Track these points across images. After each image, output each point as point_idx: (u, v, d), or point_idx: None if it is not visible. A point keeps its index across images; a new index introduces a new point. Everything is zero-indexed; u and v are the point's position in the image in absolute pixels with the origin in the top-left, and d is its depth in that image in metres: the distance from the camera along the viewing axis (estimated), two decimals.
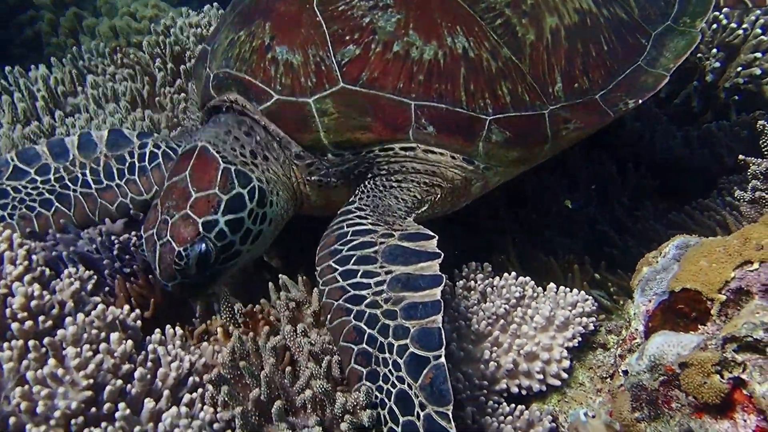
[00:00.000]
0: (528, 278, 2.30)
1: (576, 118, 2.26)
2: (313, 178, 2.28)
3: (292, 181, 2.33)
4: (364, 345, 1.78)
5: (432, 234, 2.03)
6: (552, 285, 2.29)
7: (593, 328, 2.25)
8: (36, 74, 3.34)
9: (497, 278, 2.29)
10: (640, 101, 2.34)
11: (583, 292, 2.27)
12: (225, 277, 2.25)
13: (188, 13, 4.07)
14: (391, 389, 1.72)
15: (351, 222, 2.08)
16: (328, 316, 1.88)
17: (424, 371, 1.70)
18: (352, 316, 1.83)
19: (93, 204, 2.49)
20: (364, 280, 1.89)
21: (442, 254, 1.94)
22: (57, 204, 2.46)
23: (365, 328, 1.80)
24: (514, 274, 2.30)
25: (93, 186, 2.50)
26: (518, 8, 2.26)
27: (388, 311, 1.82)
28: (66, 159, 2.53)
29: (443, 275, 1.88)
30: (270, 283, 2.27)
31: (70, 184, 2.50)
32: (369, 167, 2.26)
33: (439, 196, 2.26)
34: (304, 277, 2.26)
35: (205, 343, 2.07)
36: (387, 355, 1.75)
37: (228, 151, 2.20)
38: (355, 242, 2.00)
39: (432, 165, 2.23)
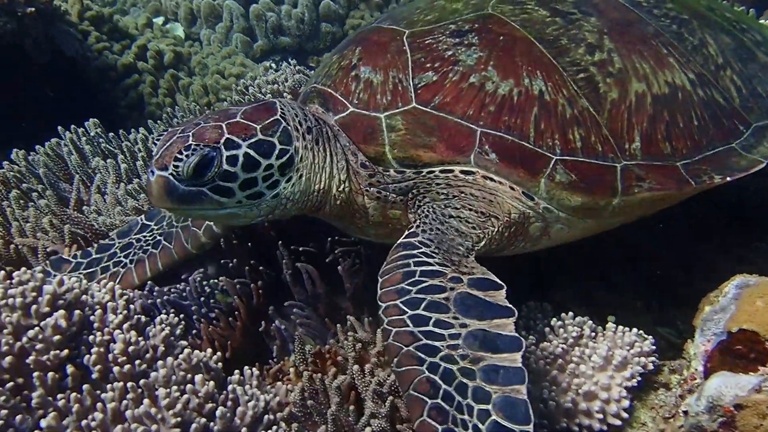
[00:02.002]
0: (586, 318, 2.34)
1: (651, 178, 2.25)
2: (372, 189, 2.36)
3: (333, 184, 2.36)
4: (439, 401, 1.75)
5: (500, 283, 2.04)
6: (610, 324, 2.32)
7: (653, 367, 2.26)
8: (136, 136, 3.74)
9: (555, 318, 2.35)
10: (728, 178, 2.30)
11: (641, 332, 2.29)
12: (197, 210, 2.17)
13: (268, 70, 4.41)
14: None
15: (418, 260, 2.08)
16: (395, 359, 1.87)
17: None
18: (425, 366, 1.81)
19: (187, 233, 2.76)
20: (437, 330, 1.88)
21: (516, 312, 1.96)
22: (163, 242, 2.77)
23: (440, 383, 1.78)
24: (571, 314, 2.34)
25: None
26: (604, 69, 2.33)
27: (466, 369, 1.81)
28: None
29: (522, 339, 1.88)
30: (338, 325, 2.44)
31: (174, 223, 2.82)
32: (428, 188, 2.30)
33: (496, 229, 2.26)
34: (370, 318, 2.41)
35: (279, 383, 2.26)
36: (466, 417, 1.74)
37: (290, 114, 2.28)
38: (424, 284, 1.99)
39: (489, 193, 2.26)
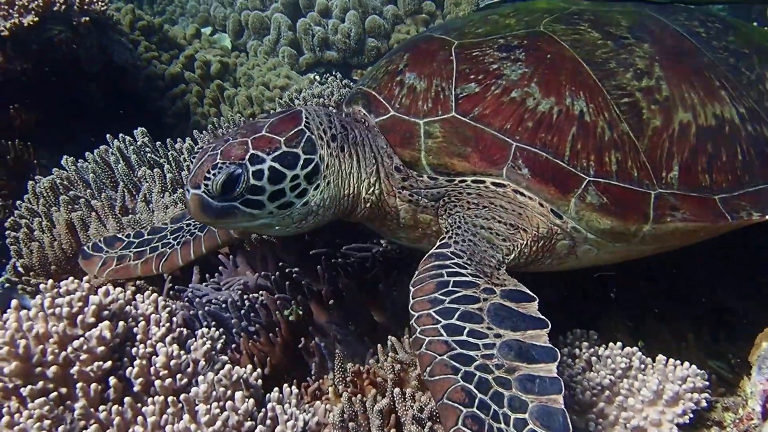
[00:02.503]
0: (635, 348, 2.26)
1: (686, 209, 2.21)
2: (405, 192, 2.37)
3: (363, 187, 2.39)
4: (475, 409, 1.74)
5: (532, 295, 2.03)
6: (661, 357, 2.23)
7: (706, 404, 2.17)
8: (182, 146, 3.79)
9: (603, 347, 2.27)
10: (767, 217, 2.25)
11: (694, 366, 2.19)
12: (233, 223, 2.27)
13: (313, 82, 4.43)
14: None
15: (451, 270, 2.07)
16: (428, 368, 1.86)
17: None
18: (459, 375, 1.80)
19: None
20: (471, 340, 1.88)
21: (550, 323, 1.94)
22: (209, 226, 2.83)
23: (476, 392, 1.77)
24: (620, 344, 2.27)
25: None
26: (650, 95, 2.29)
27: (501, 379, 1.81)
28: None
29: (557, 349, 1.87)
30: (378, 345, 2.41)
31: None
32: (459, 197, 2.31)
33: (524, 242, 2.26)
34: (410, 338, 2.38)
35: (318, 402, 2.24)
36: (502, 425, 1.72)
37: (314, 123, 2.32)
38: (457, 294, 1.99)
39: (519, 206, 2.26)
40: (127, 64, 5.21)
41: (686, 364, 2.20)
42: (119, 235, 3.06)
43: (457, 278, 2.05)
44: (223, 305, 2.67)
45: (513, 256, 2.25)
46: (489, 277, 2.11)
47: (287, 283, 2.67)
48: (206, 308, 2.59)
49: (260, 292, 2.74)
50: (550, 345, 1.87)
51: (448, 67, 2.36)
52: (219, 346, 2.32)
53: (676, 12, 2.65)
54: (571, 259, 2.37)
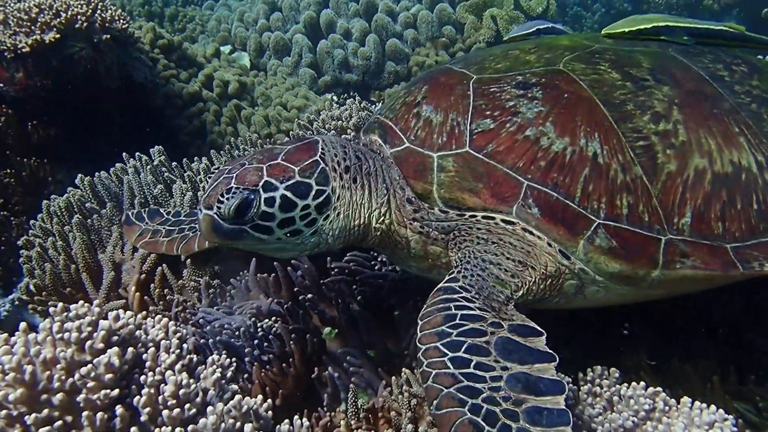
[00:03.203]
0: (659, 389, 2.18)
1: (696, 256, 2.18)
2: (415, 223, 2.38)
3: (373, 217, 2.40)
4: None
5: (540, 330, 2.03)
6: (686, 399, 2.14)
7: None
8: (199, 166, 3.77)
9: (625, 386, 2.20)
10: None
11: (721, 411, 2.10)
12: (242, 245, 2.31)
13: (332, 104, 4.41)
14: None
15: (459, 304, 2.09)
16: (435, 402, 1.85)
17: None
18: (466, 408, 1.80)
19: None
20: (478, 372, 1.88)
21: (557, 357, 1.93)
22: None
23: (483, 424, 1.77)
24: (643, 384, 2.19)
25: None
26: (666, 139, 2.26)
27: (509, 411, 1.80)
28: None
29: (564, 381, 1.86)
30: (393, 377, 2.35)
31: None
32: (469, 231, 2.31)
33: (533, 279, 2.25)
34: (418, 371, 2.32)
35: None
36: None
37: (329, 154, 2.34)
38: (464, 328, 2.00)
39: (528, 245, 2.25)
40: (146, 81, 5.22)
41: (713, 407, 2.11)
42: (161, 210, 3.27)
43: (464, 312, 2.05)
44: (236, 332, 2.61)
45: (521, 293, 2.24)
46: (497, 312, 2.11)
47: (301, 312, 2.62)
48: (218, 338, 2.54)
49: (273, 318, 2.70)
50: (558, 378, 1.87)
51: (464, 101, 2.36)
52: (229, 374, 2.25)
53: (701, 54, 2.60)
54: (579, 298, 2.35)
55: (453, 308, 2.07)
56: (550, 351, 1.95)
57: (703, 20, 2.80)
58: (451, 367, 1.89)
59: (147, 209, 3.31)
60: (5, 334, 1.99)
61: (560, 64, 2.42)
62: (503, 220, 2.24)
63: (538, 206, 2.19)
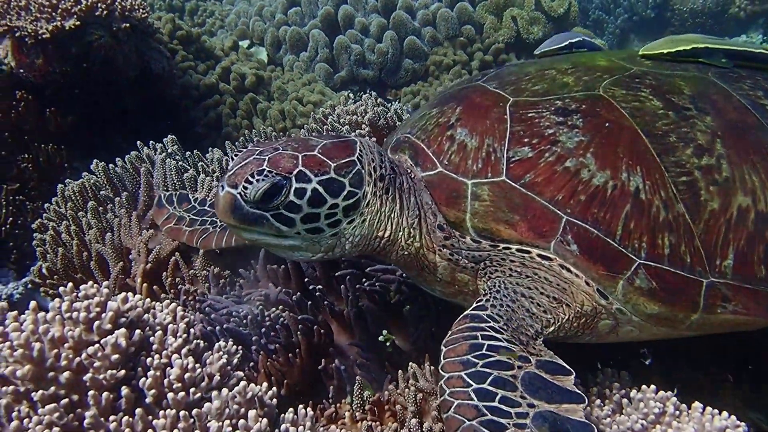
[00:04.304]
0: (670, 393, 2.15)
1: (738, 301, 2.11)
2: (445, 250, 2.29)
3: (401, 236, 2.31)
4: None
5: (569, 368, 1.96)
6: (697, 404, 2.11)
7: None
8: (213, 156, 3.78)
9: (635, 390, 2.17)
10: None
11: (734, 417, 2.07)
12: (257, 235, 2.15)
13: (347, 100, 4.40)
14: None
15: (486, 334, 2.01)
16: None
17: None
18: None
19: None
20: (503, 407, 1.81)
21: (586, 399, 1.88)
22: None
23: None
24: (653, 387, 2.16)
25: None
26: (710, 175, 2.17)
27: None
28: None
29: (594, 426, 1.80)
30: (399, 371, 2.33)
31: None
32: (501, 263, 2.23)
33: (566, 317, 2.17)
34: (432, 367, 2.30)
35: (333, 426, 2.16)
36: None
37: (366, 158, 2.24)
38: (491, 359, 1.92)
39: (564, 282, 2.16)
40: (164, 72, 5.25)
41: (724, 413, 2.08)
42: (190, 195, 3.27)
43: (491, 342, 1.98)
44: (243, 321, 2.61)
45: (552, 329, 2.16)
46: (524, 346, 2.02)
47: (309, 303, 2.61)
48: (225, 325, 2.54)
49: (281, 307, 2.69)
50: (586, 421, 1.81)
51: (501, 126, 2.26)
52: (235, 361, 2.25)
53: (739, 79, 2.49)
54: (611, 337, 2.27)
55: (480, 337, 1.99)
56: (580, 392, 1.88)
57: (739, 42, 2.72)
58: (475, 398, 1.83)
59: (177, 193, 3.30)
60: (15, 312, 1.99)
61: (600, 89, 2.32)
62: (540, 255, 2.15)
63: (577, 243, 2.10)
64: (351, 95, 4.78)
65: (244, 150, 2.22)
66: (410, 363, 2.32)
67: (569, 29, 6.99)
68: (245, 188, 2.03)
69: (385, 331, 2.56)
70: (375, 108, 3.86)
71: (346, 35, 6.54)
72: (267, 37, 6.87)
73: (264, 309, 2.65)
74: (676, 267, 2.09)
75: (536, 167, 2.17)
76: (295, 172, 2.07)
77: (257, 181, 2.03)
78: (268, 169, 2.05)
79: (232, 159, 2.23)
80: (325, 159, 2.13)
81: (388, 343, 2.54)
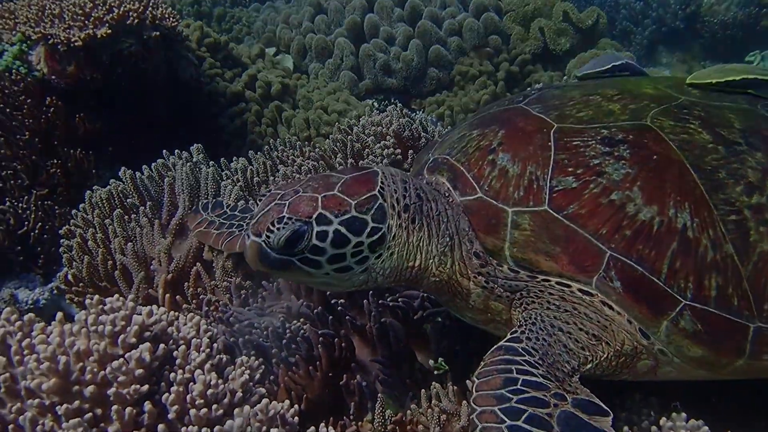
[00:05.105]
0: (701, 422, 2.09)
1: None
2: (480, 278, 2.24)
3: (432, 264, 2.27)
4: None
5: (606, 409, 1.89)
6: None
7: None
8: (236, 166, 3.79)
9: (665, 418, 2.11)
10: None
11: None
12: (288, 276, 2.21)
13: (372, 110, 4.40)
14: None
15: (521, 368, 1.94)
16: None
17: None
18: None
19: None
20: None
21: None
22: None
23: None
24: (684, 415, 2.10)
25: None
26: (760, 215, 2.10)
27: None
28: None
29: None
30: (423, 390, 2.31)
31: None
32: (539, 294, 2.16)
33: (605, 355, 2.09)
34: (455, 387, 2.27)
35: None
36: None
37: (389, 189, 2.20)
38: (526, 395, 1.86)
39: (605, 319, 2.10)
40: (192, 79, 5.31)
41: None
42: (223, 201, 3.35)
43: (526, 377, 1.91)
44: (264, 332, 2.61)
45: (589, 366, 2.09)
46: (560, 382, 1.95)
47: (330, 317, 2.60)
48: (246, 337, 2.54)
49: (301, 319, 2.69)
50: None
51: (545, 153, 2.19)
52: (258, 376, 2.24)
53: None
54: (648, 376, 2.21)
55: (515, 371, 1.93)
56: None
57: None
58: None
59: (214, 200, 3.37)
60: (42, 323, 2.01)
61: (647, 119, 2.25)
62: (580, 290, 2.09)
63: (621, 280, 2.03)
64: (375, 104, 4.78)
65: (267, 194, 2.23)
66: (433, 383, 2.30)
67: (597, 41, 6.92)
68: (268, 237, 2.05)
69: (441, 359, 2.51)
70: (400, 119, 3.85)
71: (371, 44, 6.55)
72: (293, 45, 6.91)
73: (285, 321, 2.65)
74: (722, 309, 2.02)
75: (580, 198, 2.11)
76: (315, 216, 2.06)
77: (278, 229, 2.04)
78: (288, 215, 2.05)
79: (267, 192, 2.22)
80: (345, 198, 2.11)
81: (437, 372, 2.49)
